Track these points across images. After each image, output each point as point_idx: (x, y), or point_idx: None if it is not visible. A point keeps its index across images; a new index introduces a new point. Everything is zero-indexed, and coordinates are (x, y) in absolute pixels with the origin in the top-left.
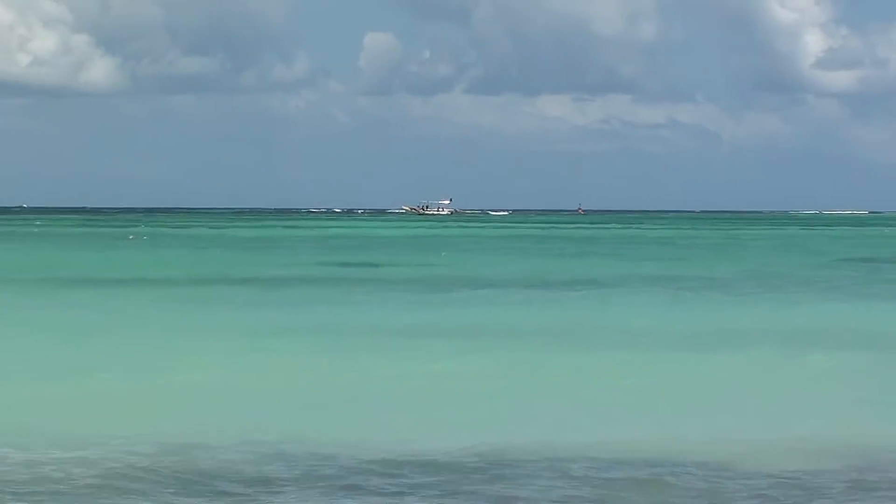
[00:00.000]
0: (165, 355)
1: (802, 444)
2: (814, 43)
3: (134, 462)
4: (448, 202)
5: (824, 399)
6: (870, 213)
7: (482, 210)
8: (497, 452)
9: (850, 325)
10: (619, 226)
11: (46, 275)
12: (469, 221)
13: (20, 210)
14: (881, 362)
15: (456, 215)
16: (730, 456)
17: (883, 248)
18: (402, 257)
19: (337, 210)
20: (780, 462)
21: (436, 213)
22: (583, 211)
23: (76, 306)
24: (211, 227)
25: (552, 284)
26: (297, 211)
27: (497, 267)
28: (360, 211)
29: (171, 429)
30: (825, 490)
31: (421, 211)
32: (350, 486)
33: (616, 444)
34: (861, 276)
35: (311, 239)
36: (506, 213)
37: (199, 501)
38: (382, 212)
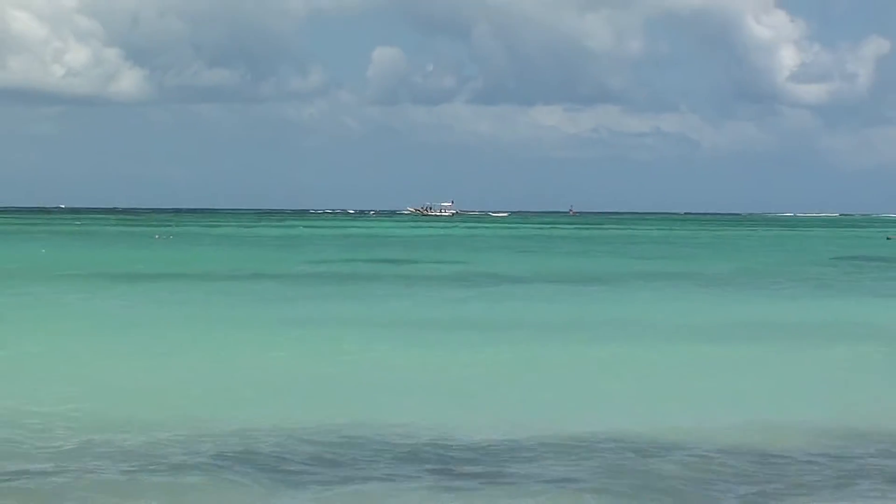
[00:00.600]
0: (214, 344)
1: (798, 427)
2: (788, 58)
3: (186, 442)
4: (450, 204)
5: (820, 386)
6: (841, 215)
7: (483, 211)
8: (515, 436)
9: (845, 319)
10: (617, 227)
11: (93, 270)
12: (473, 222)
13: (59, 210)
14: (871, 352)
15: (458, 216)
16: (737, 438)
17: (862, 248)
18: (420, 255)
19: (351, 211)
20: (779, 444)
21: (439, 214)
22: (574, 212)
23: (121, 298)
24: (238, 227)
25: (564, 280)
26: (315, 211)
27: (512, 264)
28: (371, 212)
29: (221, 412)
30: (815, 472)
31: (425, 212)
32: (378, 467)
33: (630, 429)
34: (848, 273)
35: (333, 237)
36: (505, 214)
37: (256, 477)
38: (393, 212)
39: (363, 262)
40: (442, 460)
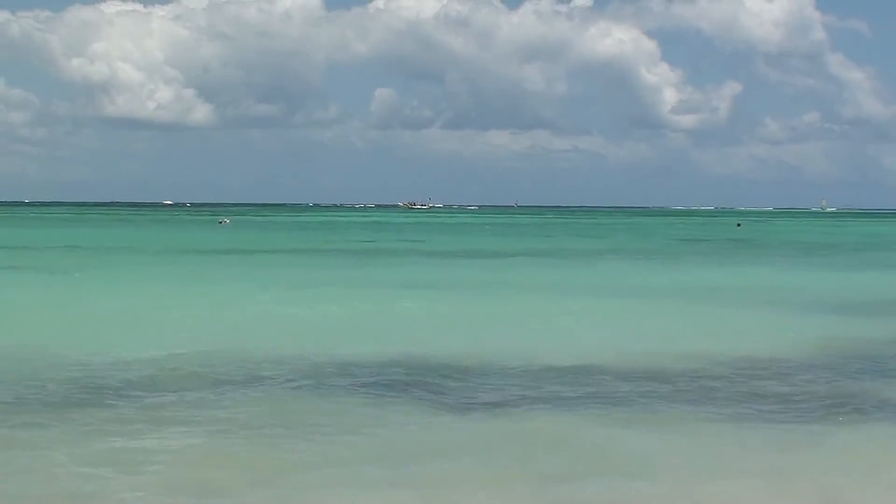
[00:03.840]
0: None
1: (679, 351)
2: (670, 96)
3: (261, 363)
4: (429, 200)
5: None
6: (716, 208)
7: (460, 205)
8: (487, 362)
9: (709, 279)
10: (554, 216)
11: (187, 245)
12: (455, 213)
13: (163, 205)
14: (717, 304)
15: (435, 209)
16: (637, 363)
17: (719, 232)
18: (425, 237)
19: (371, 205)
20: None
21: (421, 206)
22: (517, 205)
23: (207, 265)
24: (282, 216)
25: (531, 253)
26: (341, 205)
27: (505, 244)
28: (386, 205)
29: (277, 345)
30: (679, 385)
31: (411, 205)
32: (389, 384)
33: (568, 358)
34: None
35: (373, 223)
36: (475, 207)
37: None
38: (397, 206)
39: (391, 241)
40: (443, 383)
